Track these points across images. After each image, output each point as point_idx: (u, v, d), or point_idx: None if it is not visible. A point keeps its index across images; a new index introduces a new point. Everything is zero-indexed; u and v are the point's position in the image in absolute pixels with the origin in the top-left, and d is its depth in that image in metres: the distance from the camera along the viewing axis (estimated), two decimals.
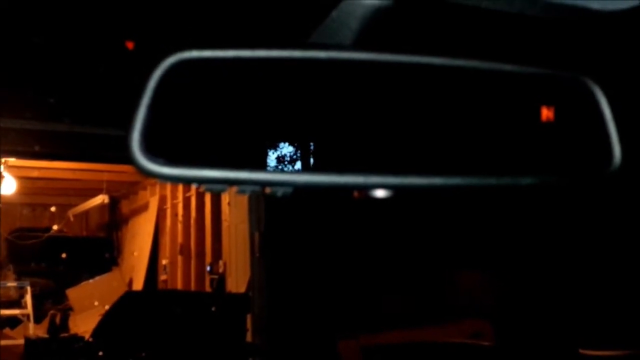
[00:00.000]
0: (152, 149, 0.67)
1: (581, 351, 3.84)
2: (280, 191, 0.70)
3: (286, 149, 0.71)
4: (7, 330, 7.61)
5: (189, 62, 0.70)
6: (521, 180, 0.76)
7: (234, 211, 6.46)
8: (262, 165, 0.71)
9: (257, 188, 0.70)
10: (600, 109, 0.78)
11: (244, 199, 5.71)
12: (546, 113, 0.77)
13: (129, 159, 0.67)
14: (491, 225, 5.00)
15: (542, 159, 0.78)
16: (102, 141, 5.06)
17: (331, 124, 0.73)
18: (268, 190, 0.71)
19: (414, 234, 5.33)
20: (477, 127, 0.77)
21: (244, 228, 5.71)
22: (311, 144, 0.71)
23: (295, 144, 0.71)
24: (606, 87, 0.79)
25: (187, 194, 8.17)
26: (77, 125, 4.85)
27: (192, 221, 8.01)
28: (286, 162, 0.71)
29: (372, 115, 0.74)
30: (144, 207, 9.46)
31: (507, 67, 0.78)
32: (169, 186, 8.66)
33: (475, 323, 4.91)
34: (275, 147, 0.71)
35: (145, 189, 9.55)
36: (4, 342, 6.81)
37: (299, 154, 0.71)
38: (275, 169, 0.71)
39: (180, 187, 8.33)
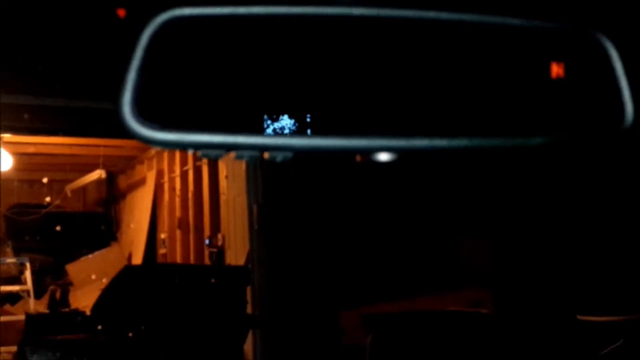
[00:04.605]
0: (145, 114, 0.64)
1: (579, 317, 3.87)
2: (279, 156, 0.67)
3: (285, 112, 0.68)
4: (7, 306, 7.64)
5: (182, 19, 0.66)
6: (531, 140, 0.73)
7: (232, 184, 6.44)
8: (260, 130, 0.68)
9: (255, 153, 0.67)
10: (611, 64, 0.75)
11: (241, 172, 5.68)
12: (556, 69, 0.74)
13: (121, 126, 0.64)
14: (489, 193, 5.00)
15: (552, 117, 0.76)
16: (98, 116, 5.02)
17: (333, 84, 0.70)
18: (267, 155, 0.68)
19: (413, 203, 5.33)
20: (484, 85, 0.74)
21: (242, 201, 5.70)
22: (311, 106, 0.68)
23: (295, 107, 0.68)
24: (617, 41, 0.76)
25: (185, 168, 8.15)
26: (72, 100, 4.80)
27: (190, 195, 7.99)
28: (285, 126, 0.68)
29: (374, 75, 0.71)
30: (142, 182, 9.44)
31: (515, 21, 0.74)
32: (166, 160, 8.63)
33: (474, 291, 4.94)
34: (273, 110, 0.68)
35: (142, 163, 9.52)
36: (4, 318, 6.84)
37: (298, 117, 0.68)
38: (274, 133, 0.68)
39: (178, 161, 8.30)
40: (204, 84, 0.68)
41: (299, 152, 0.67)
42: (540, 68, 0.75)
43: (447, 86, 0.73)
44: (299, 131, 0.68)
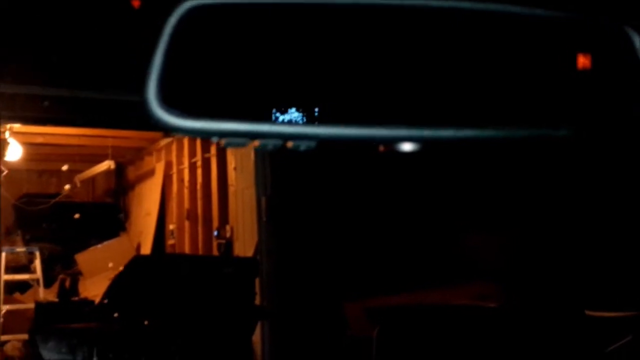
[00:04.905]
0: (170, 101, 0.64)
1: (587, 312, 3.86)
2: (303, 145, 0.67)
3: (308, 100, 0.68)
4: (17, 295, 7.70)
5: (206, 7, 0.66)
6: (557, 131, 0.72)
7: (240, 176, 6.45)
8: (283, 118, 0.67)
9: (279, 142, 0.67)
10: (638, 57, 0.74)
11: (250, 164, 5.69)
12: (582, 60, 0.74)
13: (145, 113, 0.64)
14: (497, 187, 4.98)
15: (578, 108, 0.75)
16: (107, 106, 5.03)
17: (356, 73, 0.70)
18: (290, 144, 0.67)
19: (420, 196, 5.32)
20: (510, 75, 0.73)
21: (250, 193, 5.71)
22: (331, 95, 0.68)
23: (318, 96, 0.68)
24: None
25: (193, 160, 8.16)
26: (81, 91, 4.81)
27: (199, 186, 8.01)
28: (308, 115, 0.67)
29: (397, 64, 0.70)
30: (150, 173, 9.46)
31: (541, 12, 0.74)
32: (174, 152, 8.65)
33: (481, 285, 4.93)
34: (297, 99, 0.68)
35: (150, 154, 9.54)
36: (14, 307, 6.89)
37: (321, 107, 0.68)
38: (298, 122, 0.68)
39: (186, 153, 8.31)
40: (228, 71, 0.67)
41: (323, 142, 0.66)
42: (566, 59, 0.75)
43: (473, 76, 0.72)
44: (323, 122, 0.67)
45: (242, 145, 0.66)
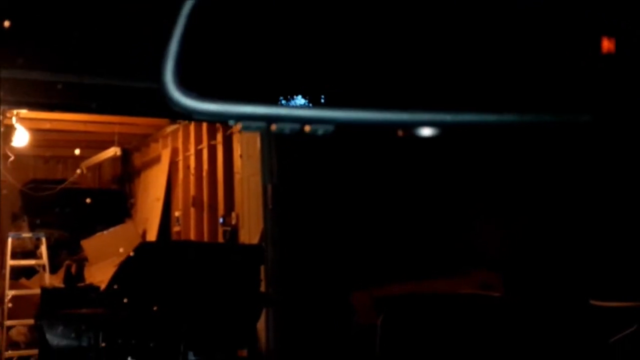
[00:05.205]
0: (187, 84, 0.64)
1: (592, 302, 3.85)
2: (321, 129, 0.66)
3: (326, 84, 0.67)
4: (23, 280, 7.73)
5: None
6: (580, 117, 0.71)
7: (246, 163, 6.45)
8: (301, 102, 0.67)
9: (296, 126, 0.66)
10: None
11: (256, 152, 5.69)
12: (607, 44, 0.73)
13: (162, 95, 0.64)
14: (502, 176, 4.97)
15: (601, 94, 0.74)
16: (113, 92, 5.03)
17: (375, 56, 0.69)
18: (308, 128, 0.67)
19: (424, 186, 5.31)
20: (533, 58, 0.72)
21: (256, 180, 5.72)
22: (353, 78, 0.67)
23: (337, 79, 0.67)
24: None
25: (199, 147, 8.16)
26: (87, 76, 4.81)
27: (204, 173, 8.02)
28: (326, 99, 0.67)
29: (419, 47, 0.70)
30: (156, 160, 9.48)
31: None
32: (180, 139, 8.66)
33: (484, 274, 4.94)
34: (314, 83, 0.67)
35: (157, 141, 9.55)
36: (20, 292, 6.93)
37: (339, 90, 0.67)
38: (316, 106, 0.67)
39: (192, 140, 8.32)
40: (245, 55, 0.67)
41: (341, 126, 0.66)
42: (591, 43, 0.73)
43: (495, 60, 0.71)
44: (341, 106, 0.67)
45: (259, 128, 0.66)
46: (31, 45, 4.49)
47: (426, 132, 0.67)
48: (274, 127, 0.66)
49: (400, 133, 0.70)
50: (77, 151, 9.03)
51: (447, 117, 0.67)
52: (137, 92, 4.88)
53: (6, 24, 3.91)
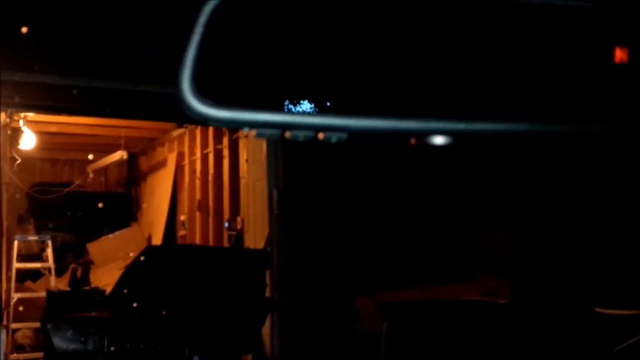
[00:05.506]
0: (203, 91, 0.64)
1: (597, 310, 3.84)
2: (334, 137, 0.67)
3: (341, 92, 0.67)
4: (28, 283, 7.75)
5: None
6: (593, 127, 0.71)
7: (252, 168, 6.46)
8: (315, 110, 0.67)
9: (310, 134, 0.67)
10: None
11: (262, 156, 5.70)
12: (620, 54, 0.73)
13: (179, 102, 0.65)
14: (508, 184, 4.96)
15: (614, 104, 0.74)
16: (120, 96, 5.05)
17: (390, 65, 0.69)
18: (322, 135, 0.67)
19: (431, 191, 5.31)
20: (546, 67, 0.73)
21: (262, 185, 5.72)
22: (368, 87, 0.68)
23: (350, 87, 0.67)
24: None
25: (205, 151, 8.18)
26: (95, 80, 4.83)
27: (210, 178, 8.03)
28: (340, 107, 0.67)
29: (432, 55, 0.70)
30: (162, 164, 9.50)
31: (578, 3, 0.73)
32: (187, 143, 8.67)
33: (490, 281, 4.93)
34: (328, 91, 0.68)
35: (163, 145, 9.57)
36: (26, 295, 6.94)
37: (353, 99, 0.67)
38: (331, 113, 0.67)
39: (198, 144, 8.34)
40: (261, 62, 0.67)
41: (355, 134, 0.66)
42: (604, 53, 0.73)
43: (508, 68, 0.72)
44: (356, 114, 0.67)
45: (274, 136, 0.67)
46: (39, 48, 4.51)
47: (439, 140, 0.68)
48: (288, 134, 0.66)
49: (412, 141, 0.71)
50: (90, 156, 9.06)
51: (460, 126, 0.68)
52: (146, 96, 4.90)
53: (23, 29, 3.93)
